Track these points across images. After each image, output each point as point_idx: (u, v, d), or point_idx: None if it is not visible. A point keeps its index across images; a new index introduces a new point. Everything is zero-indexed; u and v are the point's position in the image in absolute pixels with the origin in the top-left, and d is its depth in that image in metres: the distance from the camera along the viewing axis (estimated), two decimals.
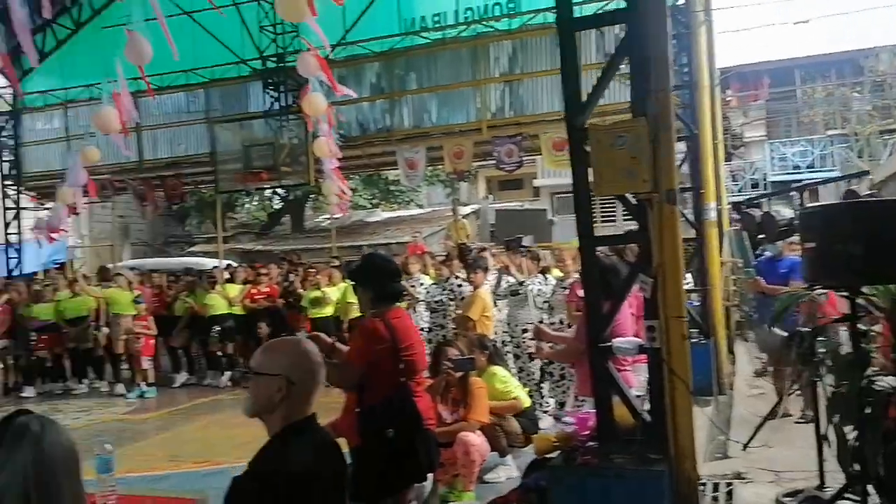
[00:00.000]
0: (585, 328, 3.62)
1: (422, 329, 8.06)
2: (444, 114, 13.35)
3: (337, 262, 11.26)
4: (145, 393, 9.69)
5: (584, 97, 3.58)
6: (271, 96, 13.40)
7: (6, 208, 16.89)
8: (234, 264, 13.71)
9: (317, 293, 9.99)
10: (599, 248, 3.94)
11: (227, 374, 10.27)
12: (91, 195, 10.48)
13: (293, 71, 13.04)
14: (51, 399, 10.06)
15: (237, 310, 10.44)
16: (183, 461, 6.33)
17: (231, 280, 10.98)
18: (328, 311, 9.96)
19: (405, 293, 7.71)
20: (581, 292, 6.19)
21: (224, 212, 18.27)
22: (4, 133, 16.70)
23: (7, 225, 16.76)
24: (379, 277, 3.50)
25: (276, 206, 25.94)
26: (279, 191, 19.09)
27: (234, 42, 13.29)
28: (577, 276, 7.04)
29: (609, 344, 3.53)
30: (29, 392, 10.25)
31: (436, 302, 8.15)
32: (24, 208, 16.92)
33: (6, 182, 16.86)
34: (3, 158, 16.87)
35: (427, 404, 3.61)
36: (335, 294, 10.01)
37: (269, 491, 1.93)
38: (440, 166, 15.37)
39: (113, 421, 8.41)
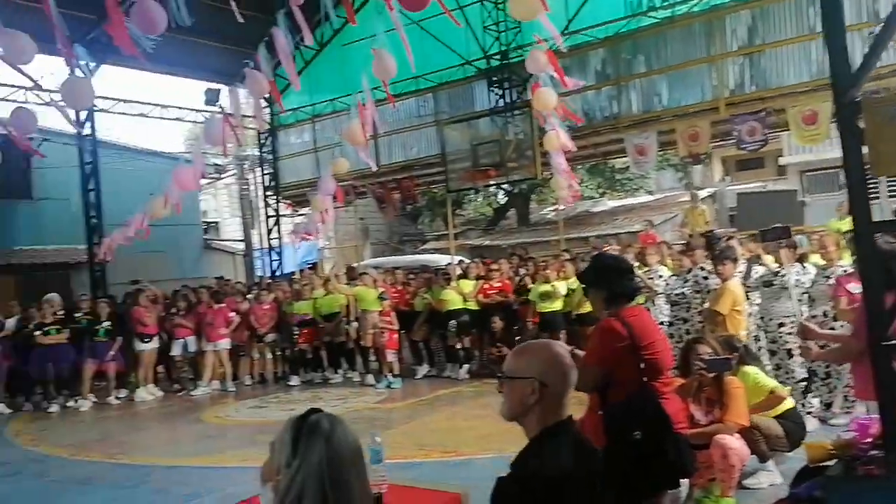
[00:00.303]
0: (865, 325, 3.19)
1: (661, 323, 7.72)
2: (675, 95, 12.72)
3: (568, 255, 11.17)
4: (392, 384, 10.28)
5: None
6: (496, 94, 13.66)
7: (268, 216, 19.01)
8: (466, 260, 14.15)
9: (546, 287, 9.96)
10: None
11: (465, 366, 10.60)
12: (339, 201, 11.36)
13: (517, 67, 13.18)
14: (312, 387, 11.05)
15: (472, 305, 10.72)
16: (431, 450, 6.61)
17: (464, 276, 11.31)
18: (557, 305, 9.90)
19: (642, 288, 7.42)
20: (851, 286, 5.54)
21: (453, 209, 19.00)
22: (264, 149, 18.77)
23: (269, 231, 18.85)
24: (610, 277, 3.38)
25: (501, 201, 26.43)
26: (505, 186, 19.41)
27: (460, 44, 13.71)
28: (842, 264, 6.35)
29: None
30: (294, 381, 11.34)
31: (676, 294, 7.74)
32: (282, 215, 18.93)
33: (267, 193, 18.96)
34: (264, 171, 18.99)
35: (676, 406, 3.39)
36: (564, 288, 9.93)
37: (529, 493, 1.95)
38: (671, 150, 14.69)
39: (366, 409, 9.01)
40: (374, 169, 12.04)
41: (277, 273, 18.24)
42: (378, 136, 15.17)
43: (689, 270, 7.72)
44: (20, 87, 14.16)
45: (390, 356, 10.43)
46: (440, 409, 8.66)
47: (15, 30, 5.54)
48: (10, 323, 11.04)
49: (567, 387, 2.10)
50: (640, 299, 7.39)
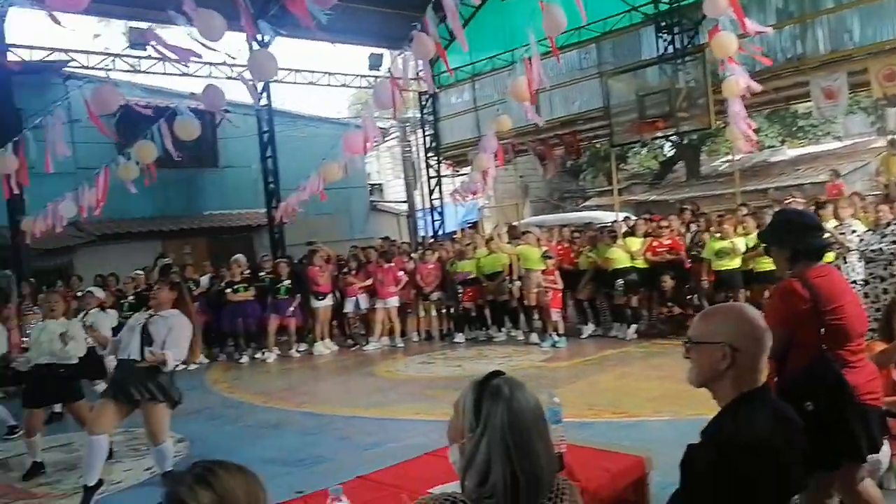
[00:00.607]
0: None
1: (854, 282, 7.07)
2: (868, 31, 11.44)
3: (745, 210, 10.48)
4: (556, 343, 10.20)
5: None
6: (665, 40, 12.94)
7: (429, 177, 19.40)
8: (632, 216, 13.69)
9: (723, 243, 9.43)
10: None
11: (633, 326, 10.31)
12: (499, 162, 11.30)
13: (688, 10, 12.39)
14: (477, 345, 11.22)
15: (640, 263, 10.37)
16: (601, 410, 6.51)
17: (631, 233, 10.94)
18: (735, 262, 9.36)
19: (832, 245, 6.81)
20: None
21: (617, 164, 18.41)
22: (425, 111, 19.07)
23: (431, 192, 19.25)
24: (794, 234, 3.09)
25: (667, 154, 25.28)
26: (673, 137, 18.53)
27: None
28: None
29: None
30: (459, 338, 11.56)
31: (872, 251, 7.02)
32: (443, 176, 19.24)
33: (428, 154, 19.32)
34: (426, 133, 19.33)
35: (866, 376, 3.05)
36: (743, 244, 9.35)
37: (723, 460, 1.88)
38: (864, 92, 13.28)
39: (531, 368, 9.01)
40: (540, 125, 11.84)
41: (439, 232, 18.64)
42: (539, 91, 14.93)
43: (888, 224, 6.97)
44: (208, 63, 15.23)
45: (554, 315, 10.34)
46: (608, 370, 8.50)
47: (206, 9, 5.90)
48: (204, 281, 12.12)
49: (761, 351, 2.01)
50: (830, 257, 6.80)
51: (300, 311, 11.86)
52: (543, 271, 10.39)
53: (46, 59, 14.70)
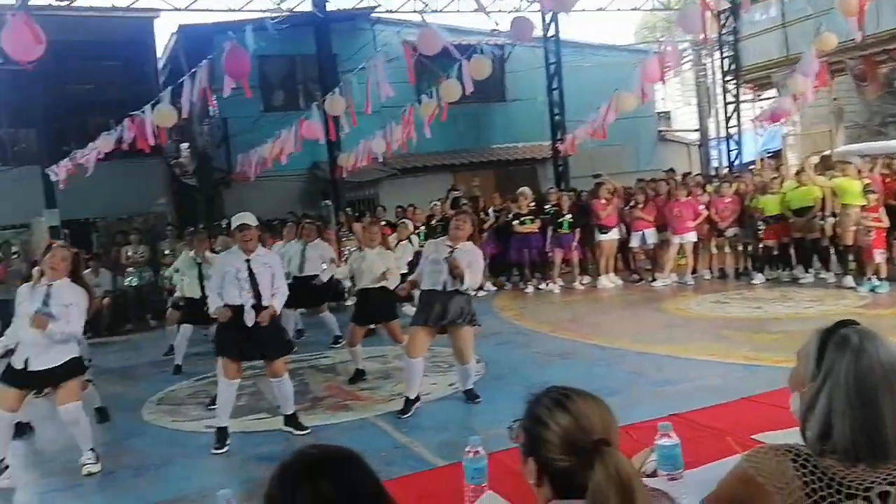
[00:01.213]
0: None
1: None
2: None
3: None
4: (876, 287, 8.98)
5: None
6: None
7: (726, 103, 17.94)
8: None
9: None
10: None
11: None
12: (820, 83, 9.97)
13: None
14: (779, 286, 10.30)
15: None
16: None
17: None
18: None
19: None
20: None
21: None
22: (724, 30, 17.50)
23: (727, 119, 17.82)
24: None
25: None
26: None
27: None
28: None
29: None
30: (758, 278, 10.68)
31: None
32: (742, 101, 17.66)
33: (726, 78, 17.83)
34: (723, 55, 17.82)
35: None
36: None
37: None
38: None
39: (846, 314, 7.97)
40: (858, 40, 10.26)
41: (735, 163, 17.28)
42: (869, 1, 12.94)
43: None
44: None
45: (877, 257, 9.10)
46: None
47: None
48: (490, 213, 12.62)
49: None
50: None
51: (580, 245, 11.85)
52: (864, 207, 9.16)
53: (358, 6, 16.04)
